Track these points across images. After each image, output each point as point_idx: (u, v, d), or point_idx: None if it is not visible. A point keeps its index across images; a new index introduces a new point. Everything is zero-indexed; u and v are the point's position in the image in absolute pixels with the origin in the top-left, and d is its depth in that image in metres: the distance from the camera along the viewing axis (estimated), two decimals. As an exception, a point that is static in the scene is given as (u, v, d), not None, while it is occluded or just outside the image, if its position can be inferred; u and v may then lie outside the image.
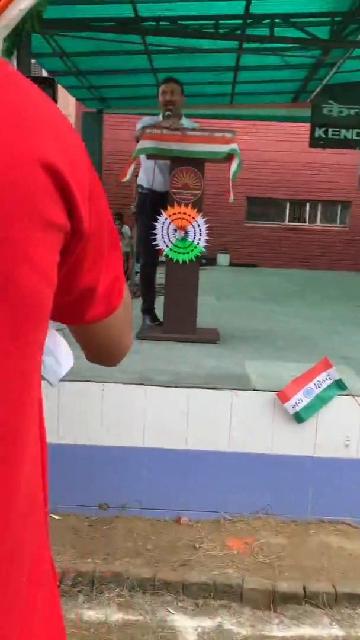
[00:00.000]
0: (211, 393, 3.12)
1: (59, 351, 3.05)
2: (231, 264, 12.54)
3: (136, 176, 4.87)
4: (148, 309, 4.73)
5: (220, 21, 7.62)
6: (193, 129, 4.15)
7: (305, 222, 15.93)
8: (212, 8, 7.41)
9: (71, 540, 2.94)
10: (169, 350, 3.88)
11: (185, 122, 4.34)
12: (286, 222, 15.89)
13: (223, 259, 12.49)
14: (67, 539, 2.94)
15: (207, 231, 4.15)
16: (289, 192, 15.57)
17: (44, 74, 14.68)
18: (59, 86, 12.66)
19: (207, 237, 4.17)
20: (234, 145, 3.98)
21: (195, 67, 10.02)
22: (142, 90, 11.05)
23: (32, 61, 10.00)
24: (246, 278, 9.76)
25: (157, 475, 3.15)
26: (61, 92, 13.50)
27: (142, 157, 4.29)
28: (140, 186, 4.57)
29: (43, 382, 3.07)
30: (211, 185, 14.35)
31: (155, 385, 3.13)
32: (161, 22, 7.70)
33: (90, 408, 3.11)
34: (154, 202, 4.30)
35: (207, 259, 12.36)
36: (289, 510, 3.18)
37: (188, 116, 4.61)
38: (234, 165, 4.11)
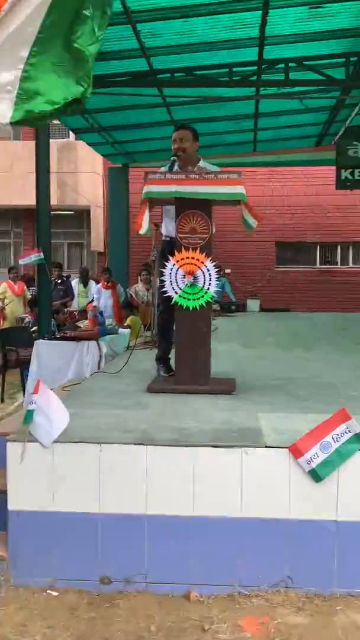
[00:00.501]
0: (218, 452, 2.84)
1: (52, 410, 2.85)
2: (262, 309, 12.26)
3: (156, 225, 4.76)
4: (162, 358, 4.51)
5: (234, 69, 7.63)
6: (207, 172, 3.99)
7: (336, 264, 15.62)
8: (225, 56, 7.44)
9: (66, 621, 2.65)
10: (179, 404, 3.62)
11: (205, 164, 4.20)
12: (317, 265, 15.62)
13: (253, 304, 12.22)
14: (62, 620, 2.65)
15: (217, 276, 3.95)
16: (319, 235, 15.36)
17: (70, 134, 15.12)
18: (85, 144, 12.97)
19: (217, 282, 3.96)
20: (240, 188, 3.80)
21: (215, 117, 10.07)
22: (164, 143, 11.15)
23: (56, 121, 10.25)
24: (275, 323, 9.47)
25: (162, 545, 2.85)
26: (88, 150, 13.81)
27: (165, 206, 4.20)
28: (163, 235, 4.47)
29: (35, 444, 2.86)
30: (240, 232, 14.33)
31: (157, 445, 2.87)
32: (175, 74, 7.76)
33: (87, 471, 2.86)
34: (174, 250, 4.14)
35: (237, 305, 12.15)
36: (312, 582, 2.82)
37: None
38: (246, 216, 3.89)
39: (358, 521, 2.80)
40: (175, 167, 4.21)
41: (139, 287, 10.73)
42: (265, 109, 9.73)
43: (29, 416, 2.83)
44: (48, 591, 2.86)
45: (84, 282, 12.00)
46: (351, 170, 12.33)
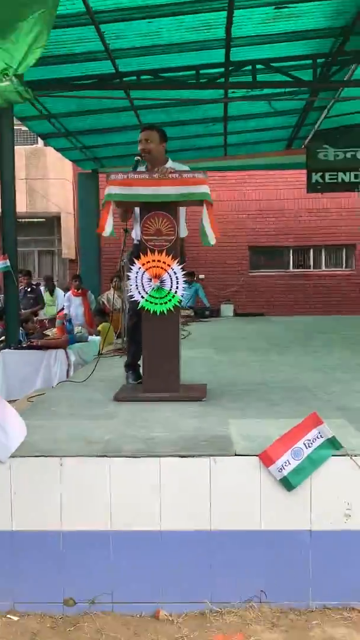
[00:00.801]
0: (186, 462, 2.70)
1: (9, 422, 2.68)
2: (236, 314, 12.19)
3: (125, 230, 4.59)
4: (131, 365, 4.36)
5: (201, 70, 7.57)
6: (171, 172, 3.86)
7: (310, 267, 15.66)
8: (191, 58, 7.37)
9: (27, 648, 2.47)
10: (147, 413, 3.48)
11: (173, 165, 4.07)
12: (290, 269, 15.64)
13: (227, 309, 12.14)
14: (22, 647, 2.48)
15: (184, 279, 3.82)
16: (292, 239, 15.38)
17: (39, 140, 14.91)
18: (54, 150, 12.79)
19: (184, 286, 3.83)
20: (204, 188, 3.68)
21: (185, 120, 9.99)
22: (133, 147, 11.01)
23: (20, 123, 10.05)
24: (249, 328, 9.39)
25: (128, 562, 2.69)
26: (58, 156, 13.63)
27: (136, 209, 4.04)
28: (133, 238, 4.30)
29: (-9, 459, 2.68)
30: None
31: (121, 457, 2.71)
32: (142, 76, 7.66)
33: (47, 487, 2.69)
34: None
35: (211, 311, 12.05)
36: (287, 596, 2.69)
37: None
38: (205, 225, 3.72)
39: (333, 530, 2.68)
40: (140, 168, 4.09)
41: (111, 293, 10.58)
42: (234, 112, 9.69)
43: (-17, 429, 2.66)
44: (7, 615, 2.69)
45: (50, 290, 11.84)
46: (321, 173, 12.37)
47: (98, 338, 7.11)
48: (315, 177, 12.42)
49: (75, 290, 10.61)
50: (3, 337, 7.61)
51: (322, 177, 12.39)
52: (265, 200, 15.19)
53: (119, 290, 10.48)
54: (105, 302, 10.54)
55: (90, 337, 6.84)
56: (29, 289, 10.86)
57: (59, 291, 11.87)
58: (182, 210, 4.09)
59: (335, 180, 12.41)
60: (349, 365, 5.33)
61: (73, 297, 10.60)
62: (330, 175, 12.37)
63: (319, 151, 12.07)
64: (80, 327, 7.59)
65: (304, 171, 12.61)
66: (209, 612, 2.66)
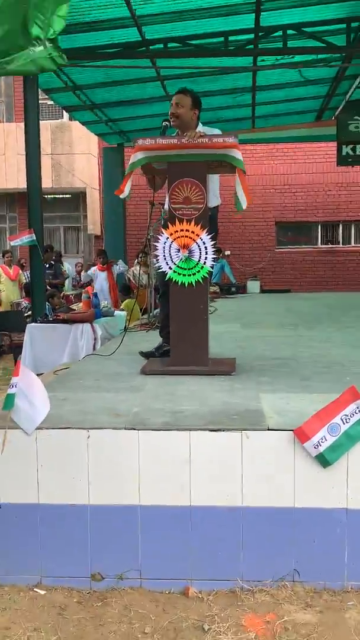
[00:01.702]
0: (217, 436, 2.60)
1: (34, 394, 2.60)
2: (263, 291, 12.01)
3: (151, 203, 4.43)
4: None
5: (230, 37, 7.31)
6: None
7: (339, 243, 15.32)
8: (220, 24, 7.13)
9: (54, 622, 2.42)
10: (174, 386, 3.38)
11: (204, 129, 3.90)
12: (319, 245, 15.32)
13: (254, 286, 11.96)
14: (49, 621, 2.43)
15: (213, 249, 3.68)
16: (320, 214, 15.05)
17: (64, 114, 14.75)
18: (79, 125, 12.63)
19: (214, 256, 3.70)
20: (235, 152, 3.52)
21: (212, 91, 9.72)
22: (160, 120, 10.82)
23: (45, 98, 9.91)
24: (277, 303, 9.22)
25: (157, 538, 2.62)
26: (83, 131, 13.46)
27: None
28: (165, 211, 4.16)
29: (17, 431, 2.62)
30: (239, 213, 14.01)
31: (150, 430, 2.62)
32: (169, 44, 7.43)
33: (75, 460, 2.62)
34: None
35: (237, 287, 11.89)
36: (321, 575, 2.59)
37: None
38: (239, 191, 3.59)
39: (370, 509, 2.57)
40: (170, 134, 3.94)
41: (137, 270, 10.47)
42: (263, 81, 9.41)
43: (9, 401, 2.59)
44: (35, 589, 2.64)
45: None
46: (352, 145, 12.00)
47: (124, 313, 7.02)
48: (346, 149, 12.06)
49: (101, 265, 10.53)
50: (30, 312, 7.59)
51: (353, 149, 12.02)
52: (293, 174, 14.86)
53: (145, 266, 10.39)
54: (131, 278, 10.45)
55: (116, 312, 6.76)
56: (47, 265, 10.84)
57: (67, 266, 12.00)
58: (214, 178, 3.95)
59: (367, 153, 12.04)
60: (382, 341, 5.15)
61: (99, 272, 10.53)
62: (361, 147, 12.00)
63: (350, 122, 11.70)
64: (106, 302, 7.51)
65: (333, 144, 12.27)
66: (239, 590, 2.58)
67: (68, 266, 11.87)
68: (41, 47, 2.58)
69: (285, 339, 5.31)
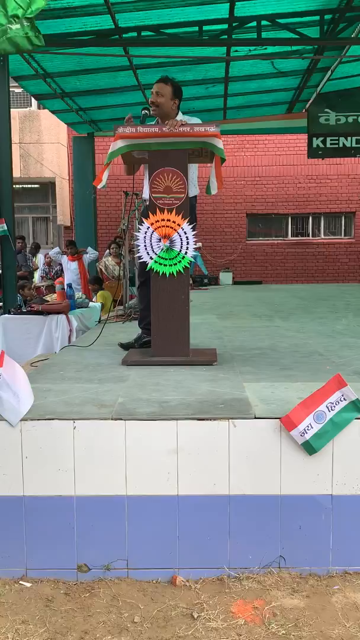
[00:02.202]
0: (204, 425, 2.60)
1: (19, 385, 2.56)
2: (235, 282, 12.06)
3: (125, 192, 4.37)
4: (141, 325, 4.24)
5: (205, 27, 7.28)
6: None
7: (308, 235, 15.48)
8: (194, 13, 7.09)
9: (42, 614, 2.40)
10: (158, 376, 3.37)
11: (184, 117, 3.86)
12: (289, 237, 15.46)
13: (226, 277, 12.02)
14: (37, 614, 2.40)
15: (195, 239, 3.67)
16: (291, 207, 15.17)
17: (33, 103, 14.51)
18: (48, 113, 12.44)
19: (195, 246, 3.69)
20: (217, 141, 3.52)
21: (184, 81, 9.66)
22: (131, 110, 10.73)
23: (14, 85, 9.71)
24: (250, 295, 9.27)
25: (144, 528, 2.61)
26: (52, 119, 13.26)
27: (145, 168, 3.87)
28: (144, 200, 4.11)
29: (2, 422, 2.58)
30: (210, 205, 14.13)
31: (136, 420, 2.61)
32: (142, 33, 7.36)
33: (60, 451, 2.59)
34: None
35: (210, 279, 11.92)
36: (307, 561, 2.63)
37: None
38: (212, 177, 3.61)
39: (355, 495, 2.61)
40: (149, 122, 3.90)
41: (109, 261, 10.40)
42: (236, 72, 9.41)
43: (-7, 392, 2.54)
44: (20, 582, 2.61)
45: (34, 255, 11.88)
46: (323, 138, 12.12)
47: (98, 304, 6.97)
48: (317, 142, 12.18)
49: (71, 256, 10.41)
50: (1, 304, 7.47)
51: (324, 142, 12.15)
52: (264, 167, 14.94)
53: (117, 257, 10.31)
54: (103, 270, 10.38)
55: (90, 303, 6.70)
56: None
57: (39, 257, 11.90)
58: (194, 168, 3.93)
59: (337, 145, 12.18)
60: (356, 331, 5.23)
61: (69, 262, 10.41)
62: (331, 140, 12.13)
63: (320, 115, 11.82)
64: (80, 293, 7.44)
65: (304, 136, 12.39)
66: (227, 578, 2.60)
67: (40, 257, 11.72)
68: (18, 26, 2.52)
69: (262, 330, 5.35)
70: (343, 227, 15.52)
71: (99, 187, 3.68)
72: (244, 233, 15.26)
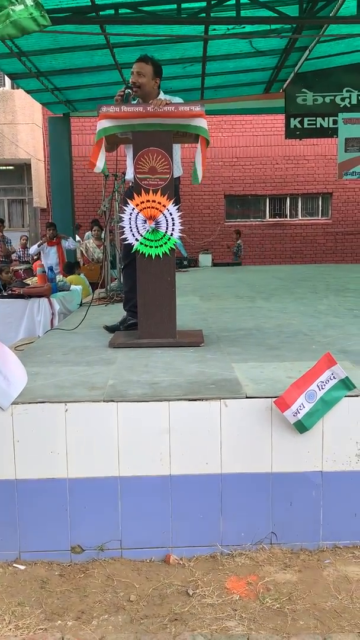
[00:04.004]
0: (195, 405, 2.62)
1: (9, 369, 2.54)
2: (214, 264, 12.07)
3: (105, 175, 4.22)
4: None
5: (183, 4, 7.18)
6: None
7: (286, 217, 15.53)
8: (173, -10, 6.98)
9: (38, 596, 2.41)
10: (146, 358, 3.38)
11: (166, 97, 3.81)
12: (267, 218, 15.48)
13: (205, 259, 12.01)
14: (32, 595, 2.41)
15: (180, 220, 3.66)
16: (268, 188, 15.17)
17: (7, 82, 14.21)
18: (23, 93, 12.19)
19: (181, 227, 3.67)
20: (202, 122, 3.49)
21: (162, 60, 9.49)
22: (108, 89, 10.56)
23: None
24: (230, 276, 9.29)
25: (137, 508, 2.63)
26: (27, 99, 13.02)
27: (128, 147, 3.82)
28: (130, 180, 4.03)
29: (-8, 407, 2.56)
30: (188, 186, 14.01)
31: (128, 401, 2.61)
32: (120, 10, 7.23)
33: (52, 434, 2.59)
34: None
35: (189, 260, 11.90)
36: (298, 536, 2.68)
37: None
38: (197, 163, 3.59)
39: (344, 471, 2.65)
40: (132, 102, 3.85)
41: (90, 243, 10.31)
42: (213, 51, 9.31)
43: (-18, 376, 2.52)
44: (14, 565, 2.62)
45: None
46: (300, 118, 12.12)
47: (79, 287, 6.92)
48: (294, 122, 12.18)
49: (50, 240, 10.29)
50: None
51: (301, 122, 12.17)
52: (241, 147, 14.89)
53: (98, 239, 10.23)
54: (84, 252, 10.29)
55: (72, 286, 6.64)
56: None
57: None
58: (177, 148, 3.90)
59: (314, 126, 12.21)
60: (338, 311, 5.29)
61: (48, 246, 10.29)
62: (309, 120, 12.15)
63: (298, 95, 11.81)
64: (61, 276, 7.38)
65: (281, 117, 12.38)
66: (220, 555, 2.64)
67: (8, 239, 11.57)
68: (21, 7, 2.42)
69: (245, 311, 5.37)
70: (320, 208, 15.59)
71: (95, 170, 3.58)
72: (222, 214, 15.25)
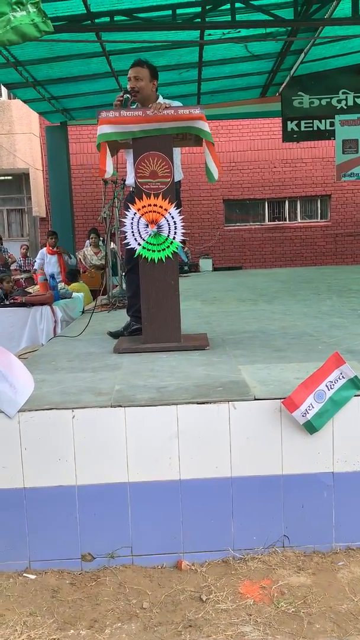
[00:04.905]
0: (203, 408, 2.59)
1: (16, 376, 2.52)
2: (215, 269, 12.06)
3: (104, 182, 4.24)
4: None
5: (178, 10, 7.19)
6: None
7: (285, 220, 15.53)
8: (168, -4, 7.00)
9: (49, 605, 2.38)
10: (151, 363, 3.35)
11: (165, 101, 3.81)
12: (266, 222, 15.49)
13: (206, 264, 12.00)
14: (44, 605, 2.38)
15: (182, 224, 3.64)
16: (267, 191, 15.19)
17: (3, 93, 14.26)
18: (19, 103, 12.23)
19: (183, 231, 3.66)
20: (203, 124, 3.48)
21: (158, 67, 9.54)
22: (105, 97, 10.59)
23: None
24: (231, 280, 9.28)
25: (147, 514, 2.60)
26: (24, 109, 13.05)
27: (128, 153, 3.82)
28: (130, 185, 4.01)
29: (-1, 415, 2.54)
30: (187, 192, 14.04)
31: (136, 406, 2.59)
32: (115, 17, 7.25)
33: (60, 441, 2.56)
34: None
35: (190, 265, 11.89)
36: (310, 539, 2.65)
37: None
38: (209, 162, 3.57)
39: (356, 471, 2.63)
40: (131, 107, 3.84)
41: (88, 251, 10.30)
42: (209, 56, 9.34)
43: (-12, 384, 2.49)
44: (24, 575, 2.59)
45: None
46: (297, 121, 12.14)
47: (81, 294, 6.90)
48: (291, 125, 12.20)
49: (51, 249, 10.28)
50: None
51: (298, 125, 12.18)
52: (239, 152, 14.92)
53: (96, 247, 10.22)
54: (82, 260, 10.28)
55: (74, 294, 6.63)
56: None
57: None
58: (177, 152, 3.89)
59: (311, 129, 12.22)
60: (342, 311, 5.26)
61: (48, 255, 10.28)
62: (305, 123, 12.17)
63: (294, 98, 11.83)
64: (62, 284, 7.37)
65: (278, 120, 12.40)
66: (232, 559, 2.61)
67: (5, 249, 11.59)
68: (23, 13, 2.40)
69: (249, 314, 5.35)
70: (319, 211, 15.60)
71: (106, 176, 3.57)
72: (221, 219, 15.25)
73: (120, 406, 2.58)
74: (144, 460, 2.58)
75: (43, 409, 2.57)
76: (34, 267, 10.90)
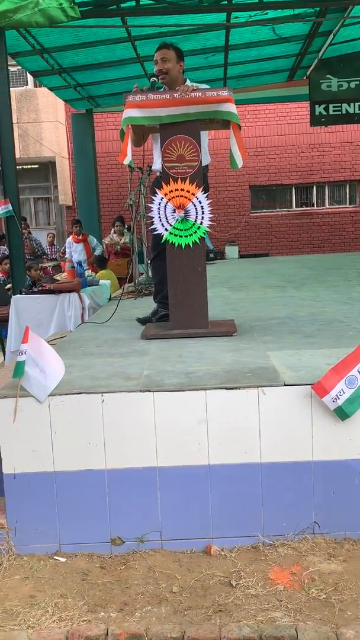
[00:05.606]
0: (233, 394, 2.57)
1: (46, 361, 2.53)
2: (241, 256, 11.97)
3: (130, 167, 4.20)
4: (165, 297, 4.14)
5: (205, -8, 7.10)
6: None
7: (313, 206, 15.32)
8: (194, -22, 6.90)
9: (79, 588, 2.40)
10: (179, 348, 3.34)
11: (192, 84, 3.76)
12: (294, 208, 15.30)
13: (232, 251, 11.92)
14: (74, 587, 2.40)
15: (210, 208, 3.60)
16: (294, 177, 14.98)
17: (29, 81, 14.29)
18: (45, 92, 12.24)
19: (210, 216, 3.61)
20: (230, 107, 3.43)
21: (183, 51, 9.47)
22: (131, 83, 10.51)
23: (13, 64, 9.52)
24: (258, 267, 9.20)
25: (176, 499, 2.60)
26: (50, 97, 13.07)
27: (155, 138, 3.78)
28: (157, 170, 3.97)
29: (29, 399, 2.55)
30: (212, 178, 13.89)
31: (165, 391, 2.58)
32: (141, 2, 7.18)
33: (89, 425, 2.57)
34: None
35: (215, 253, 11.83)
36: (341, 526, 2.62)
37: None
38: (234, 148, 3.51)
39: (388, 458, 2.58)
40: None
41: (114, 238, 10.32)
42: (236, 40, 9.19)
43: (19, 368, 2.51)
44: (55, 557, 2.62)
45: None
46: (325, 105, 11.89)
47: (108, 281, 6.92)
48: (319, 109, 11.96)
49: (76, 237, 10.31)
50: (10, 285, 7.43)
51: (326, 109, 11.93)
52: (266, 137, 14.73)
53: (121, 234, 10.23)
54: (108, 244, 10.30)
55: (101, 281, 6.64)
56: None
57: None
58: (205, 136, 3.84)
59: (340, 112, 11.96)
60: (373, 297, 5.17)
61: (74, 243, 10.32)
62: (334, 106, 11.90)
63: (322, 82, 11.58)
64: (89, 271, 7.39)
65: (305, 104, 12.17)
66: (262, 545, 2.59)
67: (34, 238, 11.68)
68: None
69: (277, 300, 5.30)
70: (348, 196, 15.34)
71: (125, 163, 3.54)
72: (247, 206, 15.11)
73: (149, 391, 2.57)
74: (172, 444, 2.57)
75: (73, 393, 2.58)
76: (65, 256, 10.94)
